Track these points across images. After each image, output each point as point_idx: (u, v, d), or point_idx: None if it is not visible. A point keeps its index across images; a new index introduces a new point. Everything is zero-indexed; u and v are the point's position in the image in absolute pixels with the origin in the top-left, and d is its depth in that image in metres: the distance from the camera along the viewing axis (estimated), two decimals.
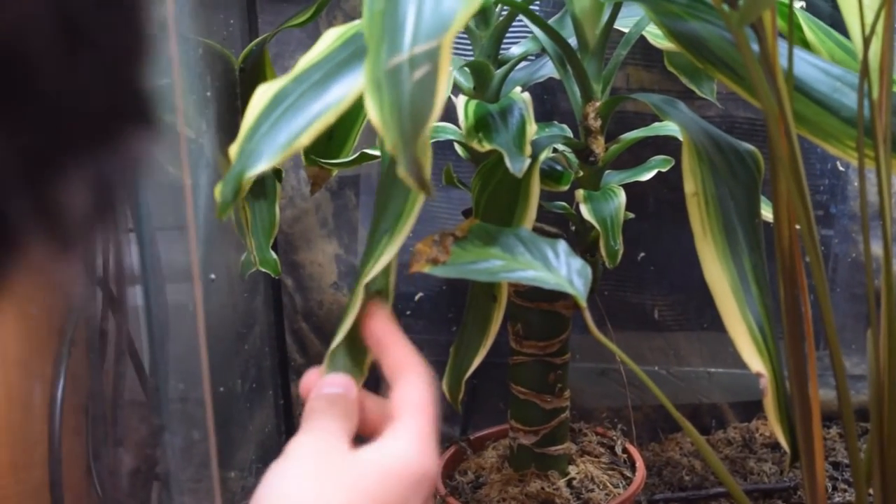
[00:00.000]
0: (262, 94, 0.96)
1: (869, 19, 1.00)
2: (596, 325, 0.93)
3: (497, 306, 1.13)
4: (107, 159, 0.42)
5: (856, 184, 1.66)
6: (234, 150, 0.93)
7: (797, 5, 1.30)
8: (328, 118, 0.91)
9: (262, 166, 0.91)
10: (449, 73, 0.77)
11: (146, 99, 0.44)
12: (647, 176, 1.37)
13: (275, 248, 1.38)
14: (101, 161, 0.42)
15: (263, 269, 1.35)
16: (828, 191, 1.70)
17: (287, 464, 0.79)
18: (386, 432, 0.81)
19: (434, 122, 0.76)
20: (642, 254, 1.70)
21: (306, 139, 0.91)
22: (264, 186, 1.37)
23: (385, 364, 0.86)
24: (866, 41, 0.97)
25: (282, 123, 0.92)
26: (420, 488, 0.79)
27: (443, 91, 0.76)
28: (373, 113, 0.78)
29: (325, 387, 0.87)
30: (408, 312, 1.72)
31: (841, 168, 1.67)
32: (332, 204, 1.71)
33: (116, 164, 0.43)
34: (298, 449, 0.80)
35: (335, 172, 1.38)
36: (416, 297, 1.72)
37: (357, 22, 1.01)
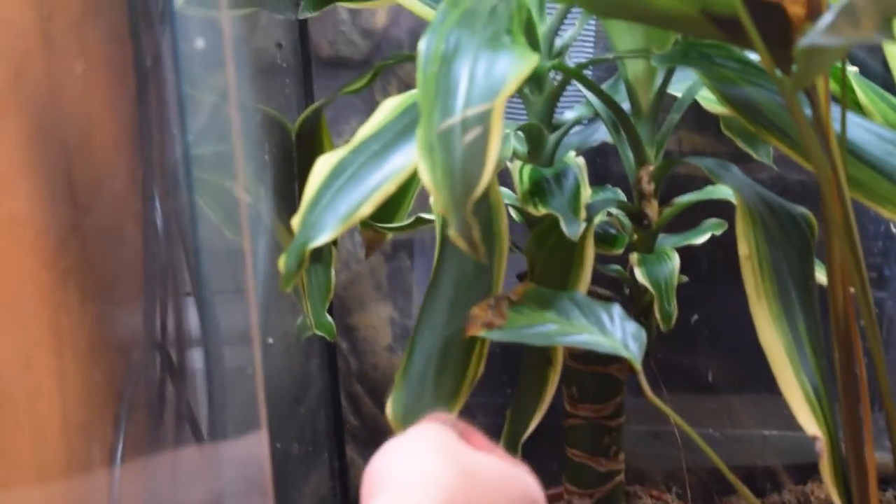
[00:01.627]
0: (323, 165, 0.98)
1: None
2: (650, 388, 0.94)
3: (553, 369, 1.14)
4: None
5: None
6: (296, 221, 0.94)
7: (850, 69, 1.31)
8: (388, 188, 0.93)
9: (324, 238, 0.92)
10: (500, 136, 0.78)
11: None
12: (700, 239, 1.37)
13: (330, 311, 1.39)
14: None
15: (319, 333, 1.36)
16: (881, 253, 1.70)
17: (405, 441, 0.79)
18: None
19: (486, 184, 0.77)
20: (696, 316, 1.70)
21: (367, 210, 0.92)
22: (320, 251, 1.39)
23: None
24: None
25: (343, 194, 0.94)
26: None
27: (494, 153, 0.77)
28: (425, 175, 0.80)
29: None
30: None
31: (895, 230, 1.67)
32: (386, 267, 1.73)
33: None
34: (415, 433, 0.80)
35: (390, 236, 1.40)
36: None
37: (414, 91, 1.02)
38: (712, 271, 1.66)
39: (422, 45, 0.90)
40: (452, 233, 0.77)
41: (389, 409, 0.99)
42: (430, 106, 0.84)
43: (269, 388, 1.28)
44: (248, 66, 1.30)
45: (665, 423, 1.74)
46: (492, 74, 0.85)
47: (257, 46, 1.37)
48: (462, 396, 1.02)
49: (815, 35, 0.73)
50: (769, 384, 1.05)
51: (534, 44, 1.21)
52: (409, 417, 0.98)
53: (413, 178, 1.31)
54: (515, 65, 0.85)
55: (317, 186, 0.95)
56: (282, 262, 0.93)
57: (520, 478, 0.80)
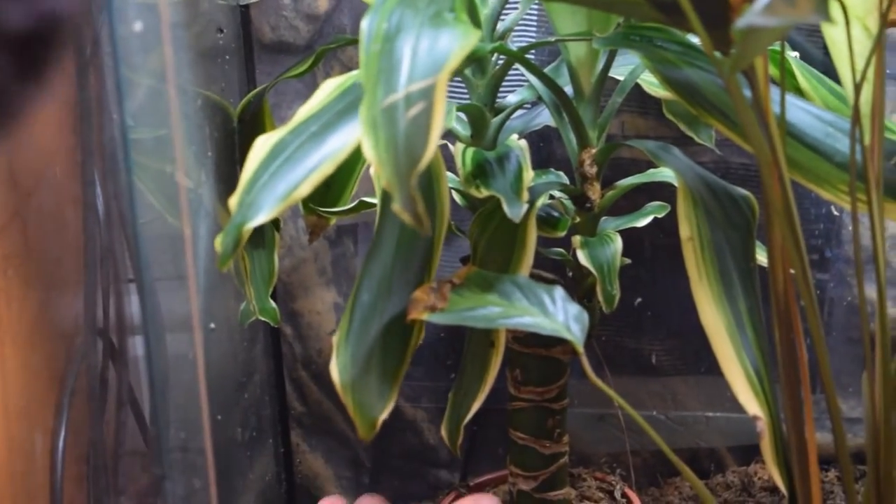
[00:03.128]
0: (261, 146, 0.97)
1: (860, 65, 1.02)
2: (593, 371, 0.94)
3: (495, 352, 1.14)
4: None
5: (850, 228, 1.67)
6: (233, 201, 0.94)
7: (790, 54, 1.32)
8: (326, 169, 0.93)
9: (261, 218, 0.92)
10: (444, 111, 0.78)
11: None
12: (643, 222, 1.37)
13: (274, 297, 1.39)
14: None
15: (263, 318, 1.35)
16: (823, 235, 1.71)
17: None
18: None
19: (430, 157, 0.77)
20: (639, 299, 1.70)
21: (305, 190, 0.92)
22: (263, 236, 1.38)
23: None
24: (857, 87, 0.98)
25: (280, 175, 0.93)
26: None
27: (438, 127, 0.78)
28: (369, 151, 0.80)
29: None
30: None
31: (836, 212, 1.68)
32: (330, 252, 1.72)
33: None
34: None
35: (333, 221, 1.39)
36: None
37: (355, 72, 1.02)
38: (656, 255, 1.66)
39: (364, 24, 0.90)
40: (397, 206, 0.77)
41: (336, 374, 0.98)
42: (374, 83, 0.84)
43: (211, 373, 1.28)
44: (188, 50, 1.29)
45: (609, 405, 1.74)
46: (434, 50, 0.85)
47: (198, 31, 1.36)
48: (405, 366, 1.02)
49: (752, 15, 0.73)
50: (713, 366, 1.05)
51: (476, 26, 1.21)
52: (357, 387, 0.98)
53: (356, 162, 1.32)
54: (458, 41, 0.85)
55: (255, 167, 0.95)
56: (218, 242, 0.93)
57: None
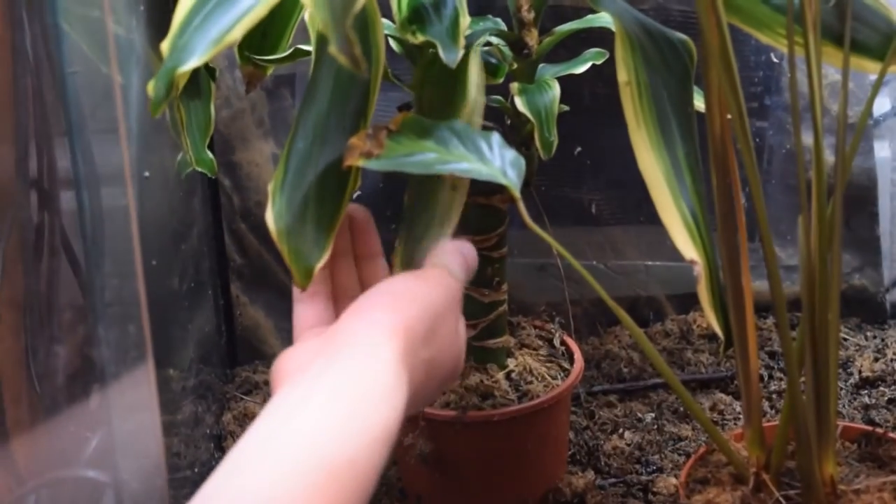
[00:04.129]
0: None
1: None
2: (534, 220, 0.94)
3: (459, 195, 1.12)
4: None
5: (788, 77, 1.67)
6: (165, 46, 0.92)
7: None
8: (260, 12, 0.91)
9: (194, 62, 0.90)
10: None
11: None
12: (581, 69, 1.36)
13: (211, 148, 1.37)
14: None
15: (200, 169, 1.34)
16: (762, 82, 1.71)
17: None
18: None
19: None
20: (579, 149, 1.70)
21: (238, 33, 0.90)
22: (198, 85, 1.36)
23: None
24: None
25: (213, 18, 0.92)
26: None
27: None
28: None
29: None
30: None
31: (775, 60, 1.68)
32: (268, 103, 1.71)
33: None
34: None
35: (270, 71, 1.37)
36: (355, 195, 1.71)
37: None
38: (596, 104, 1.66)
39: None
40: (333, 49, 0.76)
41: (271, 222, 0.97)
42: None
43: (147, 224, 1.27)
44: None
45: (550, 255, 1.75)
46: None
47: None
48: (341, 214, 1.01)
49: None
50: (653, 216, 1.05)
51: None
52: (292, 234, 0.97)
53: (292, 10, 1.29)
54: None
55: (186, 10, 0.93)
56: (150, 87, 0.91)
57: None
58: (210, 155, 1.35)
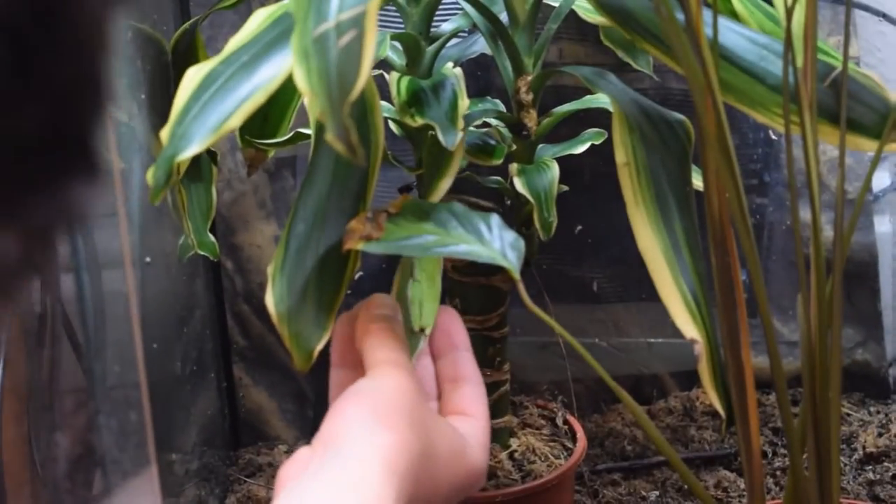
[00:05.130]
0: (192, 77, 0.96)
1: None
2: (534, 299, 0.94)
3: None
4: (44, 204, 0.41)
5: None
6: (165, 133, 0.93)
7: None
8: (258, 99, 0.92)
9: (193, 149, 0.91)
10: (375, 38, 0.78)
11: (91, 142, 0.43)
12: (580, 149, 1.37)
13: (213, 231, 1.38)
14: (37, 206, 0.41)
15: (202, 252, 1.35)
16: (761, 159, 1.72)
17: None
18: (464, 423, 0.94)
19: (362, 85, 0.77)
20: (580, 227, 1.71)
21: (236, 121, 0.91)
22: (200, 169, 1.37)
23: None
24: (789, 8, 0.98)
25: (212, 106, 0.93)
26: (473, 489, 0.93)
27: (369, 55, 0.77)
28: (301, 81, 0.79)
29: (376, 307, 0.98)
30: (348, 292, 1.71)
31: (774, 137, 1.69)
32: (269, 185, 1.71)
33: (54, 209, 0.41)
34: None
35: (272, 154, 1.38)
36: (356, 276, 1.72)
37: (286, 1, 1.01)
38: (596, 182, 1.67)
39: None
40: (330, 136, 0.77)
41: (271, 305, 0.97)
42: (305, 12, 0.83)
43: (149, 308, 1.27)
44: None
45: (552, 334, 1.75)
46: None
47: None
48: (341, 295, 1.01)
49: None
50: (653, 293, 1.05)
51: None
52: (293, 317, 0.97)
53: (292, 94, 1.31)
54: None
55: (186, 98, 0.94)
56: (150, 175, 0.92)
57: (467, 455, 0.91)
58: (212, 238, 1.36)
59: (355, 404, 0.85)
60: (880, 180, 1.81)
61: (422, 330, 1.04)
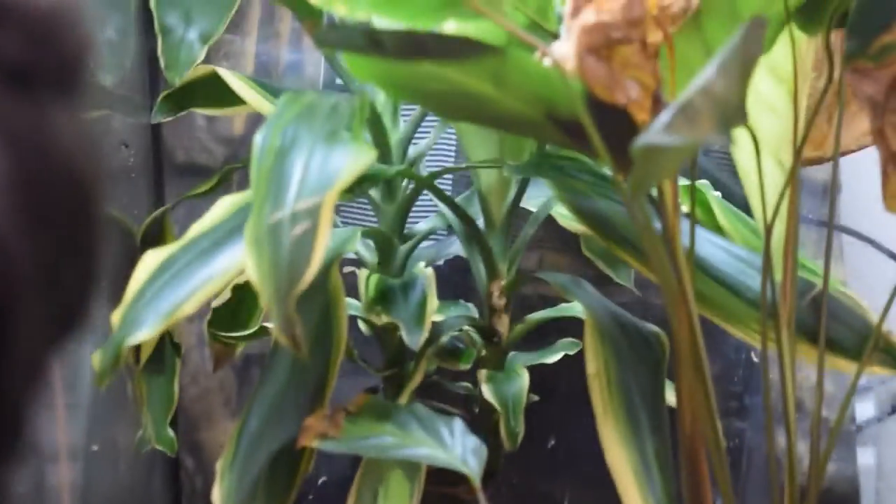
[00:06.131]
0: (149, 262, 0.94)
1: (773, 200, 0.99)
2: None
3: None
4: None
5: (771, 375, 1.64)
6: (115, 317, 0.91)
7: (713, 193, 1.30)
8: (213, 287, 0.90)
9: (143, 334, 0.89)
10: (329, 230, 0.76)
11: None
12: (552, 358, 1.34)
13: (175, 427, 1.34)
14: None
15: (159, 447, 1.31)
16: (742, 381, 1.68)
17: None
18: None
19: (311, 278, 0.74)
20: (553, 441, 1.66)
21: (190, 308, 0.89)
22: (163, 360, 1.34)
23: None
24: (768, 224, 0.96)
25: (166, 291, 0.90)
26: None
27: (321, 247, 0.75)
28: (251, 269, 0.77)
29: None
30: (310, 496, 1.66)
31: (755, 359, 1.66)
32: (236, 383, 1.67)
33: None
34: None
35: (240, 349, 1.35)
36: (320, 482, 1.66)
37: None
38: (571, 395, 1.62)
39: (257, 138, 0.87)
40: (275, 329, 0.74)
41: (218, 501, 0.93)
42: (262, 199, 0.82)
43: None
44: None
45: None
46: (326, 168, 0.82)
47: (103, 149, 1.32)
48: (292, 496, 0.98)
49: (652, 134, 0.70)
50: None
51: (386, 152, 1.18)
52: None
53: None
54: (351, 159, 0.83)
55: (140, 283, 0.92)
56: (96, 358, 0.89)
57: None
58: (171, 433, 1.32)
59: None
60: (864, 411, 1.77)
61: None
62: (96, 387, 1.21)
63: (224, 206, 0.99)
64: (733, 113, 0.73)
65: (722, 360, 1.66)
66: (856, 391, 1.71)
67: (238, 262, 0.89)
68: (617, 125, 0.85)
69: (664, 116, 0.71)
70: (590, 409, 1.06)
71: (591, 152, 0.91)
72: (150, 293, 0.90)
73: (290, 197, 0.80)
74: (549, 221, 1.29)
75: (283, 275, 0.75)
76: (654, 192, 0.94)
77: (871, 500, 1.77)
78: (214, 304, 1.25)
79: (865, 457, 1.76)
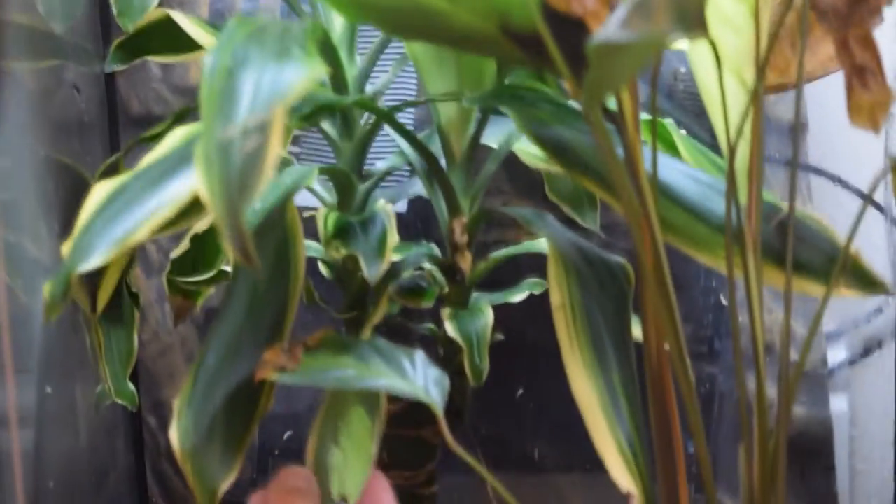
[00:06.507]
0: (100, 191, 0.91)
1: (736, 120, 0.97)
2: (470, 466, 0.88)
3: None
4: None
5: (740, 319, 1.63)
6: (66, 247, 0.88)
7: (679, 131, 1.28)
8: (166, 213, 0.87)
9: (94, 262, 0.85)
10: (280, 143, 0.73)
11: None
12: (517, 297, 1.32)
13: (137, 385, 1.32)
14: None
15: (120, 401, 1.28)
16: (712, 326, 1.67)
17: None
18: None
19: (261, 192, 0.72)
20: (521, 391, 1.65)
21: (143, 235, 0.86)
22: (121, 312, 1.31)
23: None
24: (732, 145, 0.93)
25: (118, 219, 0.87)
26: None
27: (271, 162, 0.72)
28: (202, 188, 0.74)
29: (288, 481, 0.91)
30: (276, 452, 1.64)
31: (724, 302, 1.64)
32: (198, 338, 1.65)
33: None
34: None
35: (200, 302, 1.33)
36: (285, 436, 1.65)
37: None
38: (540, 344, 1.61)
39: (207, 59, 0.84)
40: (226, 244, 0.72)
41: (175, 440, 0.91)
42: (212, 118, 0.79)
43: (57, 463, 1.20)
44: (41, 116, 1.23)
45: (488, 502, 1.68)
46: (277, 83, 0.80)
47: (55, 97, 1.30)
48: (251, 433, 0.95)
49: (606, 31, 0.68)
50: (599, 463, 0.99)
51: (342, 87, 1.16)
52: (198, 454, 0.91)
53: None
54: (302, 72, 0.80)
55: (91, 212, 0.88)
56: (46, 289, 0.86)
57: None
58: (132, 387, 1.30)
59: None
60: (836, 355, 1.76)
61: (343, 499, 0.97)
62: (51, 345, 1.19)
63: (176, 135, 0.96)
64: (691, 10, 0.71)
65: (690, 303, 1.65)
66: (825, 332, 1.70)
67: (192, 186, 0.87)
68: (573, 37, 0.83)
69: (619, 13, 0.69)
70: (557, 358, 1.04)
71: (549, 67, 0.89)
72: (101, 222, 0.87)
73: (240, 113, 0.77)
74: (513, 165, 1.27)
75: (234, 190, 0.73)
76: (615, 109, 0.92)
77: (845, 447, 1.76)
78: (173, 255, 1.23)
79: (838, 403, 1.75)
